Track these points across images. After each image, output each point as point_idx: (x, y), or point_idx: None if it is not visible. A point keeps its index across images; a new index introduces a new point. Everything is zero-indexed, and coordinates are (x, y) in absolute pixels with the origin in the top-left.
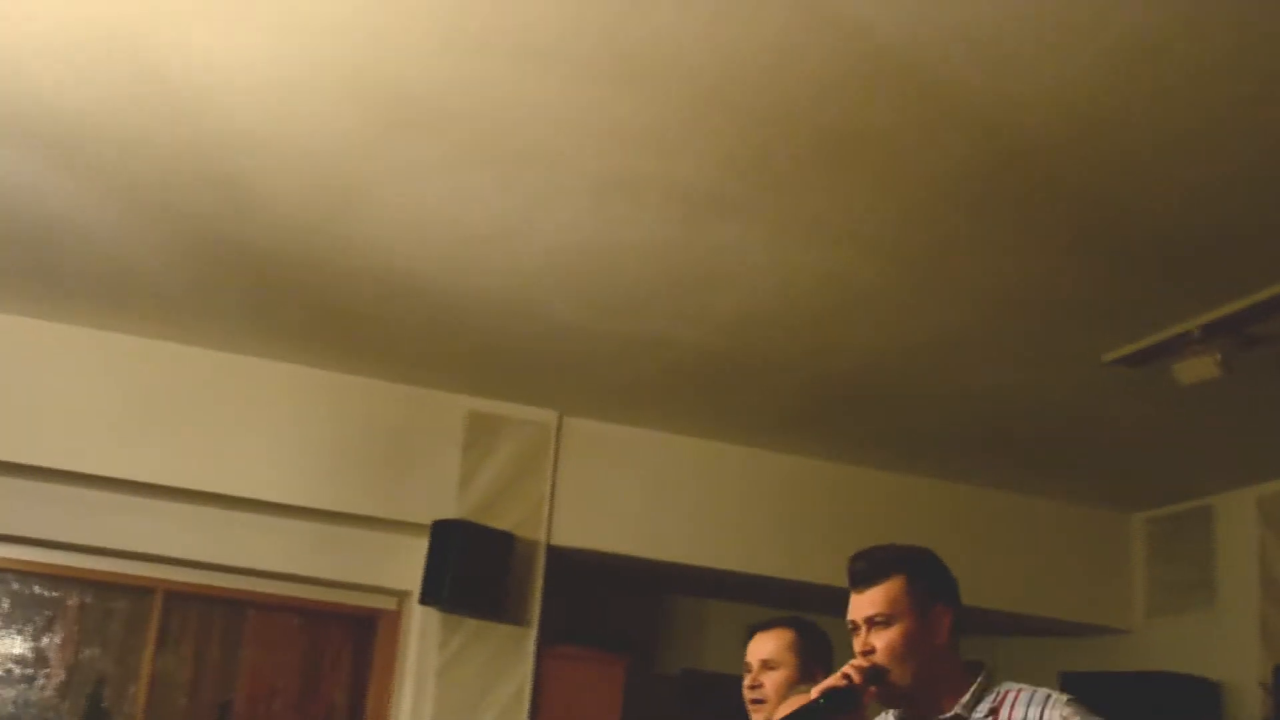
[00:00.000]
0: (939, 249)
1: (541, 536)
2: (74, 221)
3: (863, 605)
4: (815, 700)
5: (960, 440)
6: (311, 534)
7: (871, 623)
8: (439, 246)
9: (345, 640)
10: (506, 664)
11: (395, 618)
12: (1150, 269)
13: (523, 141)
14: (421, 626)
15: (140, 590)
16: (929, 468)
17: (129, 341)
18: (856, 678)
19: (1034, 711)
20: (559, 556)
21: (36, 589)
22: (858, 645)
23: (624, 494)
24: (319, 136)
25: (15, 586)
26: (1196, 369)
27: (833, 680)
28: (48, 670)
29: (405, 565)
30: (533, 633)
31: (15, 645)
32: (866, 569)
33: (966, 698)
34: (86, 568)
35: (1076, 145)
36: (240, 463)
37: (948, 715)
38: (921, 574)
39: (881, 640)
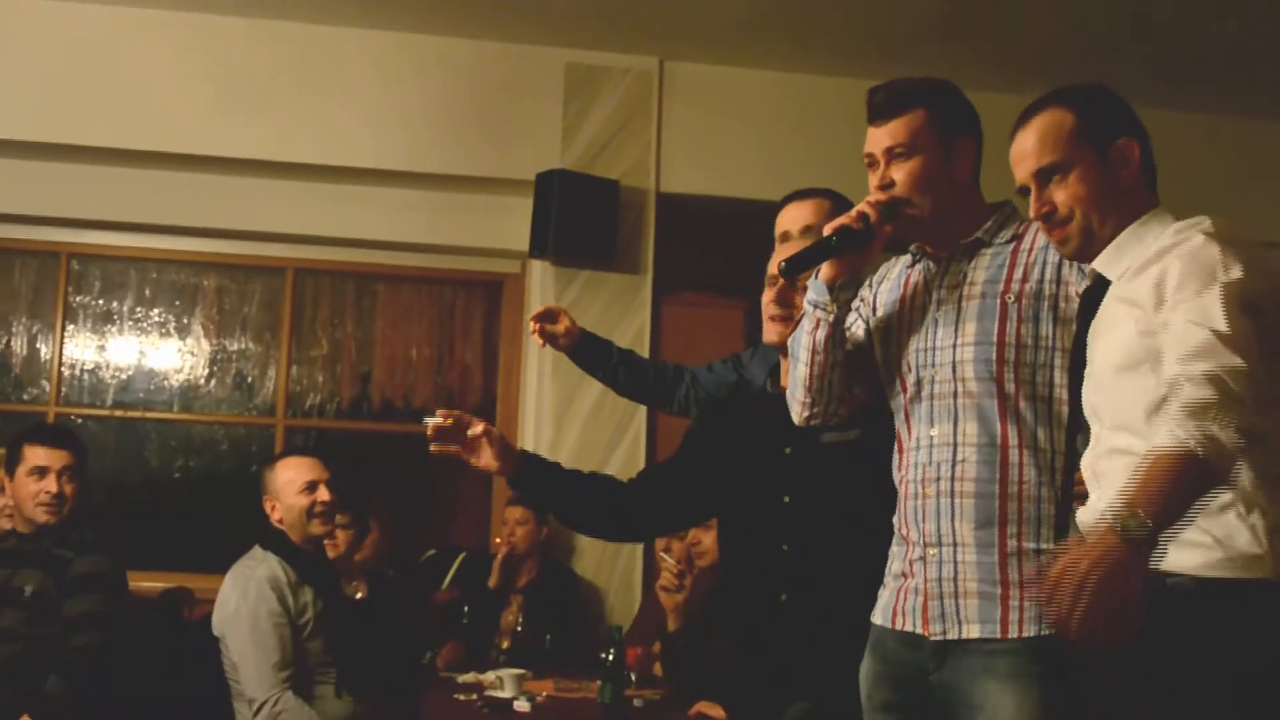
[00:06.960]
0: None
1: (650, 184)
2: None
3: (882, 138)
4: (826, 238)
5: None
6: (426, 202)
7: (891, 155)
8: None
9: (474, 305)
10: (624, 311)
11: (519, 279)
12: None
13: None
14: (539, 282)
15: (271, 271)
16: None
17: (214, 21)
18: (872, 215)
19: None
20: (670, 203)
21: (174, 276)
22: (875, 180)
23: (732, 136)
24: None
25: (154, 275)
26: None
27: (846, 218)
28: (192, 353)
29: (522, 226)
30: (648, 280)
31: (160, 331)
32: (886, 101)
33: (988, 225)
34: (217, 251)
35: None
36: (343, 134)
37: (968, 240)
38: (944, 106)
39: (901, 172)
